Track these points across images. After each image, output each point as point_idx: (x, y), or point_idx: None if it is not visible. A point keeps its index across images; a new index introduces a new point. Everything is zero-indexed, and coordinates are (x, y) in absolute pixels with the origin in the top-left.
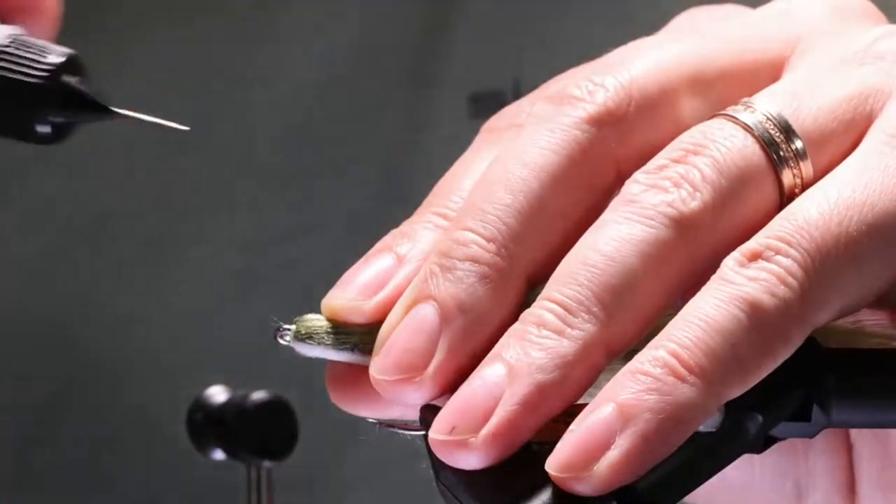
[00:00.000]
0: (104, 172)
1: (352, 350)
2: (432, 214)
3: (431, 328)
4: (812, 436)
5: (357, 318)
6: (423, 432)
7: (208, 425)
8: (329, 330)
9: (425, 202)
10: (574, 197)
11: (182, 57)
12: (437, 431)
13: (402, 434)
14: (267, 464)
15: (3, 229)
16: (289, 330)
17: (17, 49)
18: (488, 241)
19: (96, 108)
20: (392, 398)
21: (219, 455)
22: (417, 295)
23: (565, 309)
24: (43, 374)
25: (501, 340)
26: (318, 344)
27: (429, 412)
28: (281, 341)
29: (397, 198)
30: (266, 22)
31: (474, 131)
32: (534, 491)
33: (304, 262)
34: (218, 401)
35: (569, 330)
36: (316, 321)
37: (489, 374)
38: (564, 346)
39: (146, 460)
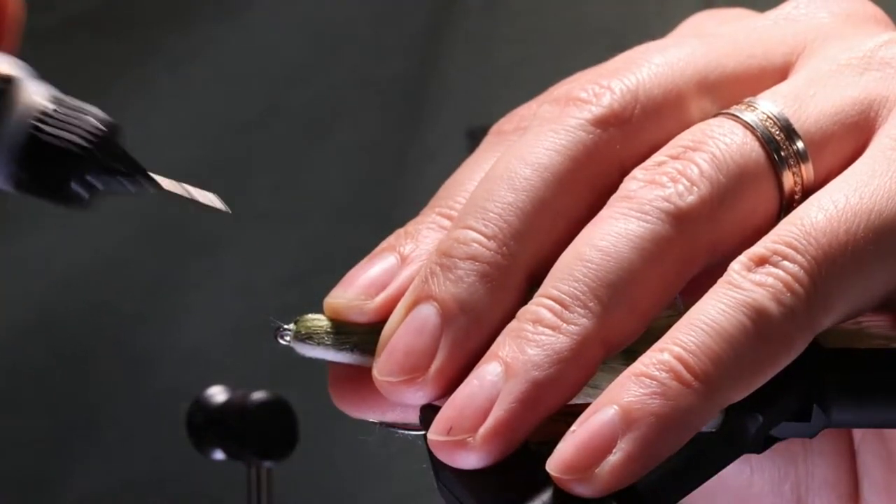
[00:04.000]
0: (102, 216)
1: (351, 350)
2: (436, 215)
3: (433, 328)
4: (812, 436)
5: (359, 317)
6: (423, 432)
7: (208, 425)
8: (329, 330)
9: (430, 203)
10: (577, 197)
11: (173, 102)
12: (436, 432)
13: (403, 434)
14: (267, 464)
15: (17, 261)
16: (289, 330)
17: (61, 110)
18: (489, 238)
19: (139, 173)
20: (395, 399)
21: (219, 455)
22: (418, 295)
23: (561, 304)
24: (45, 373)
25: (498, 339)
26: (318, 344)
27: (429, 412)
28: (281, 341)
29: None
30: (257, 63)
31: None
32: (534, 491)
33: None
34: (218, 401)
35: (564, 325)
36: (316, 321)
37: (486, 373)
38: (560, 341)
39: (147, 460)
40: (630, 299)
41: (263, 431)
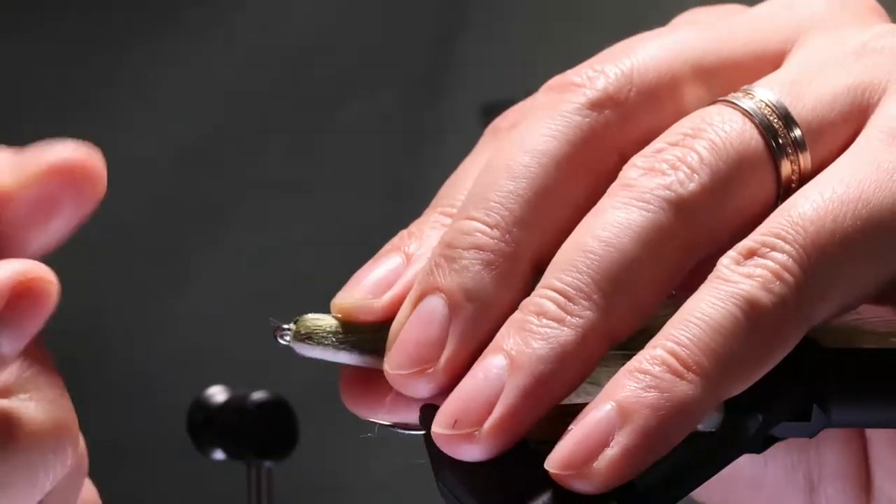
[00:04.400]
0: (113, 182)
1: (351, 350)
2: (438, 214)
3: (441, 319)
4: (812, 435)
5: (368, 316)
6: (422, 432)
7: (208, 425)
8: (329, 330)
9: (432, 203)
10: (576, 181)
11: (187, 71)
12: (440, 425)
13: (402, 434)
14: (267, 464)
15: None
16: (288, 330)
17: None
18: (492, 227)
19: None
20: (407, 392)
21: (219, 455)
22: (425, 287)
23: (565, 296)
24: None
25: (502, 330)
26: (318, 344)
27: (429, 411)
28: (280, 341)
29: (407, 209)
30: (272, 34)
31: None
32: (534, 490)
33: (311, 273)
34: (218, 401)
35: (569, 318)
36: (316, 321)
37: (490, 365)
38: (565, 335)
39: (146, 460)
40: (633, 290)
41: (263, 431)
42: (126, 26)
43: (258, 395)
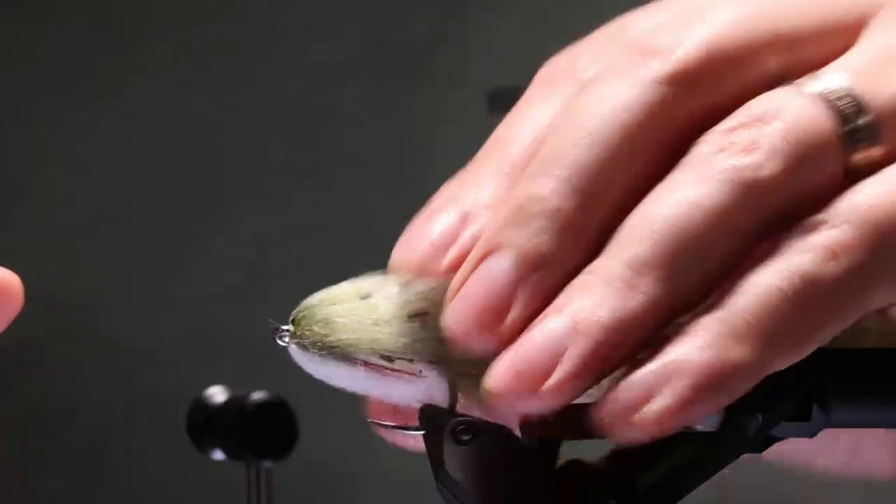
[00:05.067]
0: (117, 169)
1: (348, 354)
2: (494, 166)
3: (508, 280)
4: (812, 435)
5: (433, 272)
6: (422, 432)
7: (208, 425)
8: (325, 333)
9: (482, 153)
10: (648, 153)
11: (194, 56)
12: (499, 380)
13: (403, 434)
14: (267, 464)
15: (18, 223)
16: (287, 331)
17: None
18: (563, 196)
19: None
20: (462, 345)
21: (219, 455)
22: (492, 245)
23: (632, 269)
24: (45, 371)
25: (567, 292)
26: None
27: (428, 411)
28: (280, 342)
29: (411, 195)
30: (278, 19)
31: (491, 128)
32: (535, 490)
33: (312, 261)
34: (218, 401)
35: (634, 290)
36: (316, 322)
37: (553, 327)
38: (630, 306)
39: (147, 460)
40: (699, 267)
41: (263, 431)
42: (128, 15)
43: (258, 395)
